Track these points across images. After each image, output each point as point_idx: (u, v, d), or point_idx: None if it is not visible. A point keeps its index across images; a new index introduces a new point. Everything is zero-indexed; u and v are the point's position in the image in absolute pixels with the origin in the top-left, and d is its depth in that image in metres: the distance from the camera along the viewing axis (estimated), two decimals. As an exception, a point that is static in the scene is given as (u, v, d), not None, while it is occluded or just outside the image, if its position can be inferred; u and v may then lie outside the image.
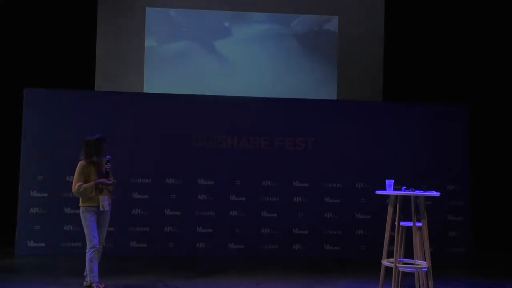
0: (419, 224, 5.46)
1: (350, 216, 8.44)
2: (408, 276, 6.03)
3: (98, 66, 10.25)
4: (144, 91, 10.03)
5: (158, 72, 10.31)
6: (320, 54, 10.59)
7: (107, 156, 5.64)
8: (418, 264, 5.46)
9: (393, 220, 5.46)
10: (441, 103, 9.13)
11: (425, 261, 5.41)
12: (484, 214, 10.05)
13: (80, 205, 5.56)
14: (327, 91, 10.44)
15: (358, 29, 10.57)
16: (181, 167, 8.29)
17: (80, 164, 5.56)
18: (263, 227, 8.34)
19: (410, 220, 5.50)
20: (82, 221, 5.53)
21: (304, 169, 8.43)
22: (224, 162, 8.36)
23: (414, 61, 10.57)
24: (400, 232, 5.51)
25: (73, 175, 5.55)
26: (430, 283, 5.37)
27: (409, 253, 5.83)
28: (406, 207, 5.66)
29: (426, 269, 5.39)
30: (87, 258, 5.49)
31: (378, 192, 5.68)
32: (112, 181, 5.57)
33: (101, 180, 5.52)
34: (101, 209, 5.52)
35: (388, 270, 5.57)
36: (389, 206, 5.54)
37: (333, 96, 10.40)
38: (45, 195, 7.97)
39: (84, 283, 5.62)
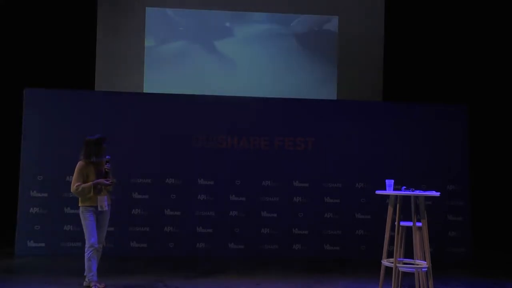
0: (419, 224, 5.46)
1: (350, 216, 8.44)
2: (408, 276, 6.03)
3: (98, 66, 10.25)
4: (144, 91, 10.03)
5: (158, 72, 10.31)
6: (320, 54, 10.59)
7: (107, 157, 5.64)
8: (418, 264, 5.46)
9: (393, 220, 5.46)
10: (441, 103, 9.13)
11: (425, 261, 5.41)
12: (484, 214, 10.05)
13: (79, 205, 5.57)
14: (327, 91, 10.44)
15: (358, 29, 10.57)
16: (181, 167, 8.29)
17: (79, 164, 5.58)
18: (263, 227, 8.34)
19: (410, 220, 5.50)
20: (82, 220, 5.54)
21: (304, 169, 8.43)
22: (224, 162, 8.36)
23: (414, 61, 10.57)
24: (400, 232, 5.51)
25: (73, 175, 5.56)
26: (430, 283, 5.37)
27: (409, 253, 5.83)
28: (406, 207, 5.66)
29: (426, 269, 5.39)
30: (86, 257, 5.50)
31: (378, 192, 5.68)
32: (110, 181, 5.57)
33: (100, 180, 5.53)
34: (99, 209, 5.53)
35: (388, 270, 5.57)
36: (389, 206, 5.54)
37: (333, 96, 10.40)
38: (45, 195, 7.97)
39: (84, 283, 5.62)
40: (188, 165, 8.30)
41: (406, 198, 5.54)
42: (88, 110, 8.20)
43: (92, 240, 5.48)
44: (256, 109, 8.57)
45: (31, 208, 7.93)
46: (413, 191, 5.40)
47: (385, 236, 5.57)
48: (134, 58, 10.26)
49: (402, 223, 5.55)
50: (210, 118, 8.41)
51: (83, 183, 5.48)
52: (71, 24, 10.07)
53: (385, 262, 5.52)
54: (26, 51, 10.07)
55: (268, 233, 8.34)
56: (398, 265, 5.39)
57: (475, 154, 9.26)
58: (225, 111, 8.47)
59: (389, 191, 5.53)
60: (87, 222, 5.49)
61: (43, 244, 7.91)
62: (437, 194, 5.51)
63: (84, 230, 5.53)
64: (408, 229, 5.76)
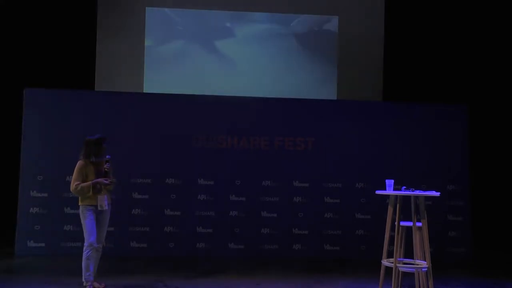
0: (419, 224, 5.46)
1: (350, 216, 8.44)
2: (408, 276, 6.03)
3: (98, 66, 10.25)
4: (144, 91, 10.03)
5: (158, 72, 10.31)
6: (320, 54, 10.59)
7: (107, 156, 5.64)
8: (418, 264, 5.46)
9: (393, 220, 5.46)
10: (441, 103, 9.13)
11: (425, 261, 5.41)
12: (484, 214, 10.05)
13: (79, 204, 5.58)
14: (327, 91, 10.44)
15: (358, 29, 10.57)
16: (181, 167, 8.29)
17: (79, 163, 5.59)
18: (263, 227, 8.34)
19: (410, 220, 5.50)
20: (81, 219, 5.55)
21: (304, 169, 8.43)
22: (224, 162, 8.36)
23: (414, 61, 10.57)
24: (400, 232, 5.51)
25: (73, 175, 5.56)
26: (430, 283, 5.37)
27: (409, 253, 5.83)
28: (406, 207, 5.66)
29: (426, 269, 5.39)
30: (84, 256, 5.49)
31: (378, 192, 5.68)
32: (109, 180, 5.57)
33: (99, 179, 5.53)
34: (99, 208, 5.54)
35: (388, 270, 5.57)
36: (389, 206, 5.54)
37: (333, 96, 10.40)
38: (45, 195, 7.97)
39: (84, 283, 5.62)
40: (188, 165, 8.30)
41: (406, 198, 5.54)
42: (88, 110, 8.20)
43: (91, 239, 5.48)
44: (256, 109, 8.57)
45: (31, 208, 7.93)
46: (413, 191, 5.40)
47: (385, 236, 5.57)
48: (134, 58, 10.26)
49: (402, 223, 5.55)
50: (210, 118, 8.41)
51: (82, 183, 5.49)
52: (71, 24, 10.07)
53: (385, 262, 5.52)
54: (26, 51, 10.07)
55: (268, 233, 8.34)
56: (398, 265, 5.39)
57: (475, 154, 9.26)
58: (225, 111, 8.47)
59: (389, 191, 5.53)
60: (86, 221, 5.50)
61: (43, 244, 7.91)
62: (437, 194, 5.51)
63: (84, 229, 5.53)
64: (408, 229, 5.77)
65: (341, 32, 10.63)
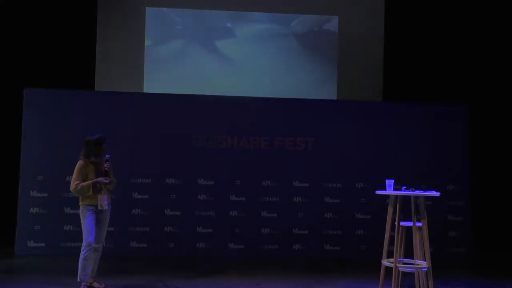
0: (419, 224, 5.46)
1: (350, 216, 8.44)
2: (408, 276, 6.03)
3: (98, 66, 10.25)
4: (144, 91, 10.03)
5: (158, 72, 10.31)
6: (320, 54, 10.59)
7: (107, 156, 5.64)
8: (418, 264, 5.46)
9: (393, 220, 5.46)
10: (441, 103, 9.13)
11: (425, 261, 5.41)
12: (484, 214, 10.05)
13: (79, 204, 5.58)
14: (327, 91, 10.44)
15: (358, 29, 10.57)
16: (181, 167, 8.29)
17: (79, 163, 5.60)
18: (263, 227, 8.34)
19: (410, 220, 5.50)
20: (81, 219, 5.54)
21: (304, 169, 8.43)
22: (224, 162, 8.36)
23: (414, 61, 10.57)
24: (400, 232, 5.51)
25: (73, 175, 5.57)
26: (430, 283, 5.37)
27: (409, 253, 5.83)
28: (406, 207, 5.66)
29: (426, 269, 5.39)
30: (81, 256, 5.49)
31: (378, 192, 5.68)
32: (109, 180, 5.57)
33: (99, 179, 5.53)
34: (99, 208, 5.54)
35: (388, 270, 5.57)
36: (389, 206, 5.54)
37: (333, 96, 10.40)
38: (45, 195, 7.97)
39: (86, 283, 5.61)
40: (188, 165, 8.30)
41: (406, 198, 5.54)
42: (88, 110, 8.20)
43: (89, 239, 5.47)
44: (256, 109, 8.57)
45: (31, 208, 7.93)
46: (413, 191, 5.40)
47: (385, 236, 5.57)
48: (134, 58, 10.26)
49: (402, 223, 5.55)
50: (210, 118, 8.41)
51: (82, 182, 5.49)
52: (71, 24, 10.07)
53: (385, 262, 5.52)
54: (26, 51, 10.07)
55: (268, 233, 8.34)
56: (398, 265, 5.39)
57: (475, 154, 9.26)
58: (225, 111, 8.47)
59: (389, 191, 5.52)
60: (86, 220, 5.50)
61: (43, 244, 7.91)
62: (437, 194, 5.51)
63: (83, 229, 5.53)
64: (408, 229, 5.76)
65: (341, 32, 10.63)
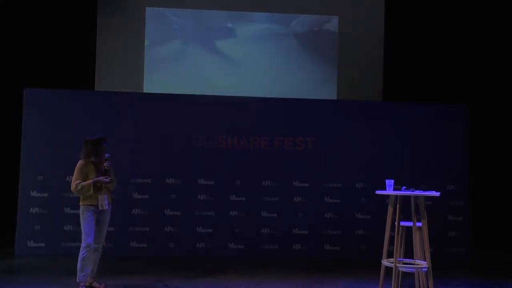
0: (419, 224, 5.45)
1: (350, 216, 8.44)
2: (408, 276, 6.03)
3: (98, 66, 10.25)
4: (144, 91, 10.03)
5: (158, 72, 10.31)
6: (320, 54, 10.59)
7: (106, 155, 5.64)
8: (418, 264, 5.46)
9: (393, 220, 5.46)
10: (441, 103, 9.13)
11: (425, 261, 5.41)
12: (484, 214, 10.05)
13: (80, 203, 5.58)
14: (327, 91, 10.44)
15: (358, 29, 10.57)
16: (181, 167, 8.29)
17: (80, 163, 5.61)
18: (263, 227, 8.34)
19: (410, 220, 5.50)
20: (81, 219, 5.54)
21: (304, 169, 8.43)
22: (224, 162, 8.36)
23: (414, 61, 10.57)
24: (400, 232, 5.51)
25: (73, 175, 5.58)
26: (430, 283, 5.37)
27: (409, 253, 5.83)
28: (406, 207, 5.66)
29: (426, 269, 5.39)
30: (80, 257, 5.49)
31: (378, 192, 5.68)
32: (110, 179, 5.57)
33: (99, 178, 5.54)
34: (100, 208, 5.54)
35: (388, 270, 5.57)
36: (389, 206, 5.54)
37: (333, 96, 10.40)
38: (45, 195, 7.97)
39: (85, 283, 5.61)
40: (188, 165, 8.30)
41: (406, 198, 5.54)
42: (88, 110, 8.20)
43: (88, 240, 5.47)
44: (256, 109, 8.57)
45: (31, 208, 7.93)
46: (413, 191, 5.40)
47: (385, 236, 5.57)
48: (134, 58, 10.26)
49: (402, 223, 5.55)
50: (210, 118, 8.41)
51: (83, 182, 5.50)
52: (71, 24, 10.07)
53: (385, 262, 5.52)
54: (26, 51, 10.07)
55: (268, 233, 8.34)
56: (398, 265, 5.39)
57: (475, 154, 9.26)
58: (225, 111, 8.47)
59: (389, 191, 5.52)
60: (85, 221, 5.50)
61: (43, 244, 7.91)
62: (437, 194, 5.51)
63: (82, 230, 5.53)
64: (408, 229, 5.76)
65: (341, 32, 10.63)
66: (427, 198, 6.05)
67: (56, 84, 9.09)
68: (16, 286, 5.90)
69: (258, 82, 10.30)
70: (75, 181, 5.51)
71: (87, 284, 5.57)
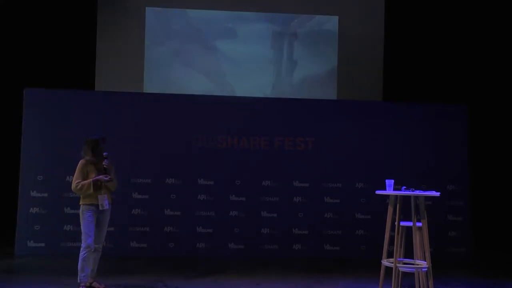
0: (419, 224, 5.45)
1: (350, 216, 8.44)
2: (408, 276, 6.03)
3: (98, 66, 10.25)
4: (144, 91, 10.03)
5: (158, 72, 10.31)
6: (320, 54, 10.59)
7: (104, 153, 5.63)
8: (418, 264, 5.46)
9: (393, 220, 5.46)
10: (441, 103, 9.13)
11: (425, 261, 5.41)
12: (484, 214, 10.05)
13: (80, 203, 5.58)
14: (327, 91, 10.44)
15: (358, 29, 10.57)
16: (181, 167, 8.29)
17: (80, 162, 5.62)
18: (263, 227, 8.34)
19: (410, 220, 5.50)
20: (81, 219, 5.54)
21: (304, 169, 8.43)
22: (224, 162, 8.36)
23: (414, 61, 10.57)
24: (400, 232, 5.51)
25: (73, 175, 5.59)
26: (430, 283, 5.37)
27: (409, 253, 5.83)
28: (406, 207, 5.66)
29: (426, 269, 5.38)
30: (80, 258, 5.49)
31: (378, 192, 5.68)
32: (109, 177, 5.56)
33: (99, 177, 5.54)
34: (100, 208, 5.54)
35: (388, 270, 5.57)
36: (389, 206, 5.53)
37: (333, 96, 10.40)
38: (45, 195, 7.97)
39: (86, 284, 5.61)
40: (188, 165, 8.30)
41: (406, 198, 5.54)
42: (88, 110, 8.19)
43: (89, 240, 5.48)
44: (256, 109, 8.57)
45: (31, 208, 7.93)
46: (413, 191, 5.39)
47: (385, 236, 5.57)
48: (134, 58, 10.26)
49: (402, 223, 5.55)
50: (210, 118, 8.41)
51: (83, 181, 5.51)
52: (71, 24, 10.07)
53: (385, 262, 5.52)
54: (26, 51, 10.07)
55: (268, 233, 8.34)
56: (398, 265, 5.39)
57: (475, 154, 9.26)
58: (225, 111, 8.47)
59: (389, 191, 5.52)
60: (85, 222, 5.50)
61: (43, 244, 7.91)
62: (437, 194, 5.51)
63: (82, 230, 5.53)
64: (408, 229, 5.76)
65: (341, 32, 10.63)
66: (427, 198, 6.05)
67: (56, 84, 9.09)
68: (16, 286, 5.90)
69: (258, 82, 10.30)
70: (75, 181, 5.52)
71: (87, 284, 5.57)
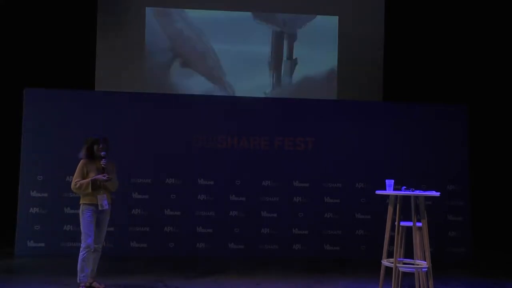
0: (419, 224, 5.45)
1: (350, 216, 8.44)
2: (408, 276, 6.03)
3: (98, 66, 10.25)
4: (144, 91, 10.02)
5: (158, 72, 10.31)
6: (320, 54, 10.59)
7: (102, 153, 5.62)
8: (418, 264, 5.46)
9: (393, 220, 5.46)
10: (441, 103, 9.14)
11: (425, 261, 5.41)
12: (484, 214, 10.05)
13: (80, 202, 5.59)
14: (327, 91, 10.44)
15: (358, 29, 10.57)
16: (181, 167, 8.29)
17: (81, 162, 5.64)
18: (263, 227, 8.34)
19: (410, 220, 5.50)
20: (80, 219, 5.54)
21: (304, 169, 8.43)
22: (224, 162, 8.36)
23: (414, 61, 10.57)
24: (400, 232, 5.51)
25: (73, 175, 5.60)
26: (430, 283, 5.36)
27: (409, 253, 5.83)
28: (406, 207, 5.66)
29: (426, 269, 5.38)
30: (80, 258, 5.49)
31: (378, 192, 5.68)
32: (107, 176, 5.56)
33: (97, 176, 5.54)
34: (99, 208, 5.54)
35: (388, 270, 5.56)
36: (389, 206, 5.53)
37: (333, 96, 10.40)
38: (45, 195, 7.97)
39: (86, 284, 5.61)
40: (188, 165, 8.30)
41: (406, 198, 5.54)
42: (88, 110, 8.19)
43: (88, 240, 5.48)
44: (256, 109, 8.57)
45: (31, 208, 7.93)
46: (413, 191, 5.39)
47: (385, 236, 5.57)
48: (134, 58, 10.26)
49: (402, 223, 5.55)
50: (210, 118, 8.41)
51: (81, 180, 5.53)
52: (71, 24, 10.07)
53: (385, 262, 5.52)
54: (26, 51, 10.07)
55: (268, 233, 8.34)
56: (398, 265, 5.39)
57: (475, 154, 9.26)
58: (225, 111, 8.47)
59: (389, 191, 5.52)
60: (85, 222, 5.50)
61: (43, 244, 7.90)
62: (437, 194, 5.51)
63: (82, 230, 5.53)
64: (408, 229, 5.76)
65: (341, 32, 10.63)
66: (427, 198, 6.04)
67: (56, 84, 9.09)
68: (16, 286, 5.90)
69: (258, 82, 10.30)
70: (74, 180, 5.54)
71: (87, 284, 5.57)
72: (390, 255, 5.77)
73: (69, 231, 7.89)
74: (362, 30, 10.59)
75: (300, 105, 8.68)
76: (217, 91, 9.92)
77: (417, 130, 8.62)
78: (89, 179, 5.52)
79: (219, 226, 8.26)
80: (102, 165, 5.60)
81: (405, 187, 5.55)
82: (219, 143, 8.41)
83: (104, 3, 10.32)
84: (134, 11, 10.35)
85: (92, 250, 5.52)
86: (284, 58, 10.56)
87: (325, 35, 10.65)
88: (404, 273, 5.67)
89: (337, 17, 10.65)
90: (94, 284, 5.62)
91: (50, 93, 8.33)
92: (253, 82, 10.27)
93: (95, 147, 5.63)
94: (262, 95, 9.28)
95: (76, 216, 5.92)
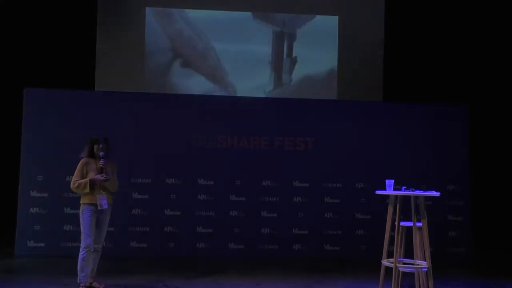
0: (419, 224, 5.45)
1: (350, 216, 8.44)
2: (408, 276, 6.03)
3: (98, 66, 10.25)
4: (143, 91, 10.02)
5: (158, 72, 10.31)
6: (320, 54, 10.59)
7: (101, 153, 5.62)
8: (418, 264, 5.46)
9: (393, 220, 5.46)
10: (441, 103, 9.14)
11: (425, 261, 5.41)
12: (484, 214, 10.05)
13: (80, 202, 5.59)
14: (327, 91, 10.44)
15: (358, 29, 10.57)
16: (181, 167, 8.29)
17: (81, 161, 5.65)
18: (263, 227, 8.34)
19: (410, 220, 5.50)
20: (80, 219, 5.54)
21: (304, 169, 8.43)
22: (224, 162, 8.36)
23: (414, 61, 10.57)
24: (400, 232, 5.51)
25: (73, 175, 5.61)
26: (430, 283, 5.37)
27: (409, 253, 5.83)
28: (406, 207, 5.66)
29: (426, 269, 5.38)
30: (80, 258, 5.50)
31: (378, 192, 5.68)
32: (105, 176, 5.55)
33: (96, 176, 5.54)
34: (98, 208, 5.53)
35: (388, 270, 5.56)
36: (389, 206, 5.53)
37: (333, 96, 10.40)
38: (45, 195, 7.97)
39: (86, 284, 5.61)
40: (188, 165, 8.30)
41: (406, 198, 5.54)
42: (88, 110, 8.19)
43: (88, 241, 5.48)
44: (256, 109, 8.57)
45: (31, 208, 7.93)
46: (413, 191, 5.39)
47: (385, 236, 5.57)
48: (134, 58, 10.26)
49: (402, 223, 5.55)
50: (210, 118, 8.41)
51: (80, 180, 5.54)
52: (71, 24, 10.08)
53: (385, 262, 5.52)
54: (26, 51, 10.07)
55: (268, 233, 8.34)
56: (398, 265, 5.39)
57: (475, 154, 9.26)
58: (225, 111, 8.47)
59: (389, 191, 5.52)
60: (85, 222, 5.50)
61: (43, 244, 7.90)
62: (437, 194, 5.51)
63: (81, 230, 5.54)
64: (408, 229, 5.76)
65: (341, 32, 10.63)
66: (427, 198, 6.05)
67: (56, 84, 9.09)
68: (16, 286, 5.90)
69: (258, 82, 10.30)
70: (73, 179, 5.56)
71: (87, 284, 5.57)
72: (390, 255, 5.77)
73: (69, 231, 7.89)
74: (362, 30, 10.59)
75: (300, 105, 8.68)
76: (218, 91, 9.92)
77: (417, 130, 8.62)
78: (88, 178, 5.52)
79: (219, 226, 8.26)
80: (101, 165, 5.60)
81: (405, 187, 5.55)
82: (219, 143, 8.41)
83: (104, 3, 10.32)
84: (134, 11, 10.35)
85: (92, 250, 5.52)
86: (284, 58, 10.57)
87: (325, 35, 10.65)
88: (404, 273, 5.67)
89: (337, 17, 10.65)
90: (94, 284, 5.62)
91: (50, 93, 8.33)
92: (253, 82, 10.28)
93: (95, 146, 5.63)
94: (263, 95, 9.28)
95: (76, 216, 5.92)
